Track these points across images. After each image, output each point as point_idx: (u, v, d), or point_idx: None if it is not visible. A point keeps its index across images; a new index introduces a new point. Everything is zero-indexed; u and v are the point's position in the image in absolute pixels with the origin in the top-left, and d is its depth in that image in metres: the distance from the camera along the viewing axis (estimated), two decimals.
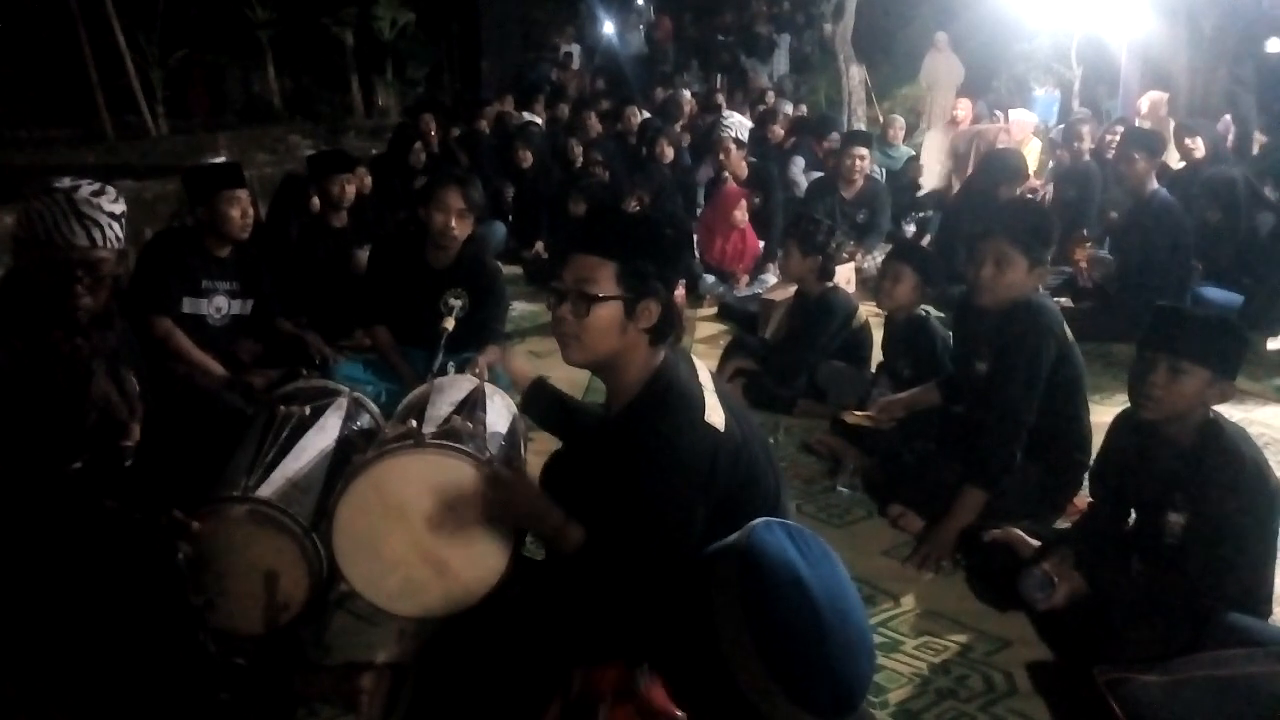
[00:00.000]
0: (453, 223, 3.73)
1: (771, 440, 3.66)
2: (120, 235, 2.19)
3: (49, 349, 2.15)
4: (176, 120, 11.24)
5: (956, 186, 6.99)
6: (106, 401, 2.24)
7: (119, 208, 2.19)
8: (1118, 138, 6.63)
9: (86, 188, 2.15)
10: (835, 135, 7.95)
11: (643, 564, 1.72)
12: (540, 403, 2.33)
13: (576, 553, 1.85)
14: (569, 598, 1.84)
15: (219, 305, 3.62)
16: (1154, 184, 5.10)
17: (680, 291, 5.58)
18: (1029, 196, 6.25)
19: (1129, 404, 2.40)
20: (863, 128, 10.23)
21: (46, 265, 2.11)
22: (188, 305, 3.54)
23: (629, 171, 7.24)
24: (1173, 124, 7.04)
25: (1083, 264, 5.41)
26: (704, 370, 1.95)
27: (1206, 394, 2.24)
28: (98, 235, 2.13)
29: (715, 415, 1.81)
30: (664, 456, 1.74)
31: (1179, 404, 2.24)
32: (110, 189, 2.20)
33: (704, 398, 1.83)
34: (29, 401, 2.07)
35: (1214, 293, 5.18)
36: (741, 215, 6.04)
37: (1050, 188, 7.00)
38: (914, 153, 8.67)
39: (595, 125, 8.98)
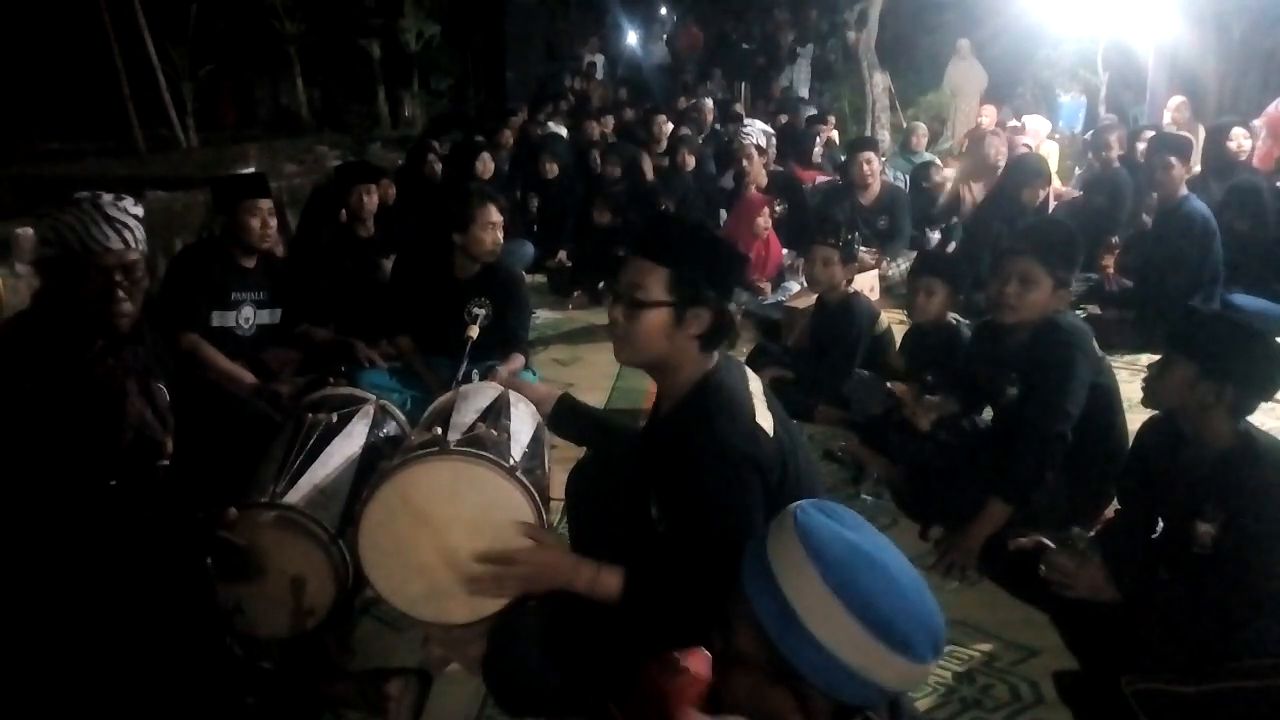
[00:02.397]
0: (499, 235, 3.84)
1: None
2: (144, 238, 2.23)
3: (83, 371, 2.16)
4: (206, 132, 11.40)
5: (972, 191, 6.91)
6: (141, 421, 2.26)
7: (140, 210, 2.23)
8: (1145, 144, 6.57)
9: (106, 195, 2.19)
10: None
11: (712, 562, 1.73)
12: (567, 419, 2.35)
13: (622, 594, 1.82)
14: (634, 597, 1.83)
15: (246, 315, 3.65)
16: (1184, 190, 5.05)
17: None
18: (1060, 212, 6.18)
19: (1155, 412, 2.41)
20: (886, 135, 10.20)
21: (84, 276, 2.12)
22: (216, 319, 3.58)
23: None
24: (1200, 129, 6.96)
25: (1110, 270, 5.37)
26: (755, 378, 1.97)
27: (1195, 390, 2.23)
28: (129, 237, 2.17)
29: (764, 420, 1.84)
30: (719, 455, 1.77)
31: (1170, 398, 2.32)
32: (128, 196, 2.24)
33: (753, 403, 1.86)
34: (66, 425, 2.08)
35: (1247, 300, 5.11)
36: (764, 223, 6.02)
37: (1081, 195, 6.94)
38: (936, 159, 8.62)
39: (597, 130, 9.04)
